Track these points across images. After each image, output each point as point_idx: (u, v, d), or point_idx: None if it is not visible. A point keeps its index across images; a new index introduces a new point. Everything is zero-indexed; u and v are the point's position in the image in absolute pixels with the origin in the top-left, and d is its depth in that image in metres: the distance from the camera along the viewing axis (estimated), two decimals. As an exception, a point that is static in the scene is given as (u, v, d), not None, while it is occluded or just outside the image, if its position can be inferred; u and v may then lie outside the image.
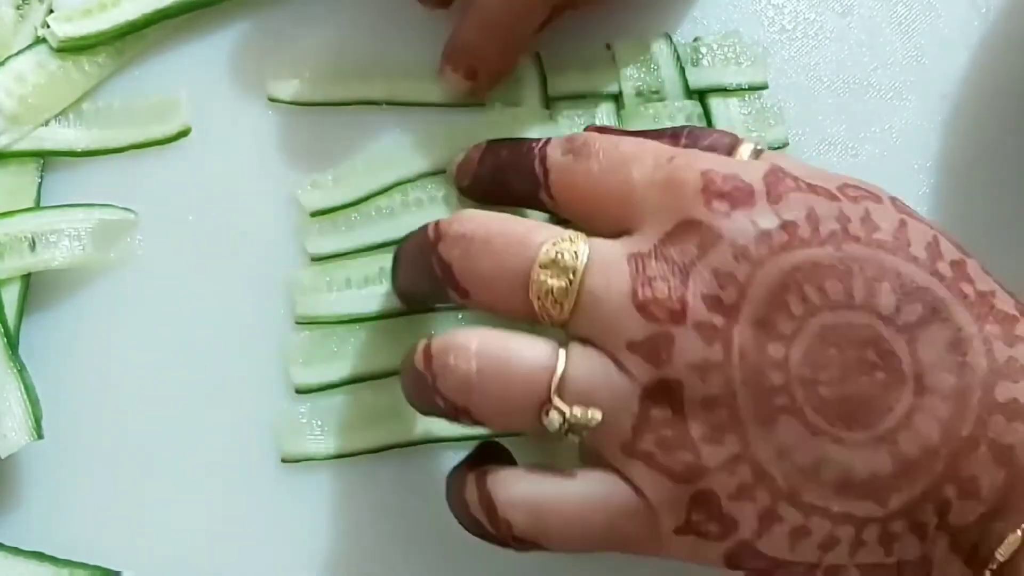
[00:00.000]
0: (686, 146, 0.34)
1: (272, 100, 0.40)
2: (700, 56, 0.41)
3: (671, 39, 0.41)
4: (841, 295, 0.29)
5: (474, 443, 0.35)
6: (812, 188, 0.31)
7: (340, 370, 0.37)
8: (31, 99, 0.39)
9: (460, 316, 0.37)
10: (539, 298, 0.30)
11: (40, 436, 0.35)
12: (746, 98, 0.41)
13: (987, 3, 0.43)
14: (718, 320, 0.29)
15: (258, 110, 0.40)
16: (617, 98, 0.41)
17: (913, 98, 0.42)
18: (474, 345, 0.30)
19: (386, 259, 0.38)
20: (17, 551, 0.34)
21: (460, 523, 0.32)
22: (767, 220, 0.30)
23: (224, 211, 0.39)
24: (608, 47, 0.41)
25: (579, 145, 0.33)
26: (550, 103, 0.40)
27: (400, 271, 0.35)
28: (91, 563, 0.35)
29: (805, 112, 0.41)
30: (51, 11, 0.40)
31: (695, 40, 0.42)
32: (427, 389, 0.31)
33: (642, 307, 0.29)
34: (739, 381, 0.29)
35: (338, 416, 0.37)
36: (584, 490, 0.30)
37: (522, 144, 0.35)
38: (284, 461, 0.36)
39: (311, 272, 0.38)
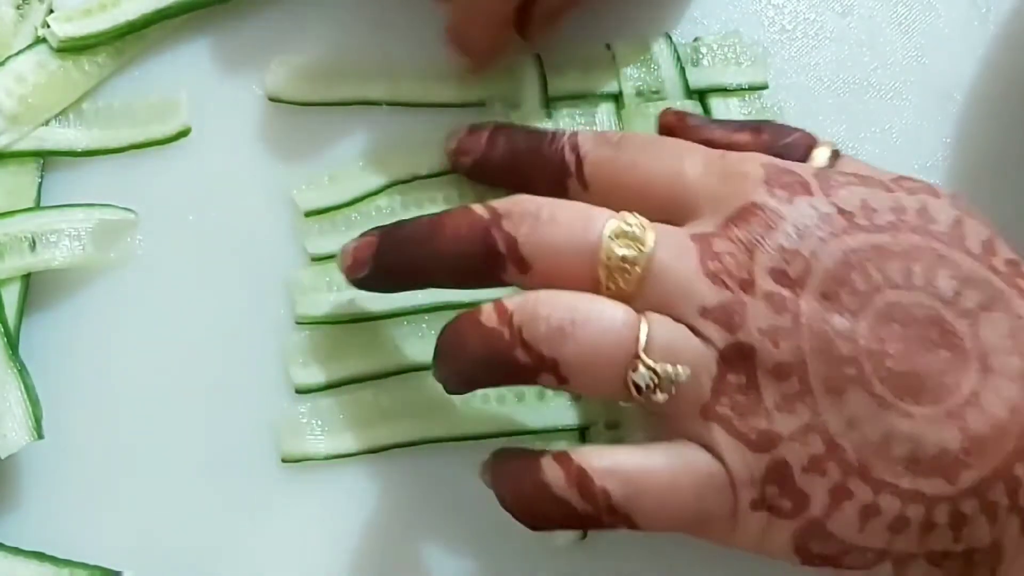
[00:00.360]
0: (768, 141, 0.36)
1: (272, 100, 0.40)
2: (700, 56, 0.41)
3: (671, 39, 0.41)
4: (902, 277, 0.30)
5: (474, 442, 0.36)
6: (864, 180, 0.32)
7: (340, 370, 0.37)
8: (31, 99, 0.39)
9: (427, 318, 0.37)
10: (608, 267, 0.31)
11: (40, 436, 0.35)
12: (746, 98, 0.41)
13: (987, 3, 0.43)
14: (785, 291, 0.30)
15: (258, 110, 0.40)
16: (617, 98, 0.41)
17: (913, 98, 0.42)
18: (565, 297, 0.31)
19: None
20: (17, 551, 0.34)
21: (524, 515, 0.31)
22: (826, 207, 0.31)
23: (224, 211, 0.39)
24: (608, 47, 0.41)
25: (619, 138, 0.35)
26: (550, 103, 0.40)
27: (425, 248, 0.33)
28: (91, 563, 0.35)
29: (805, 112, 0.41)
30: (51, 11, 0.40)
31: (695, 40, 0.42)
32: (504, 345, 0.31)
33: (712, 276, 0.30)
34: (808, 349, 0.30)
35: (338, 416, 0.37)
36: (670, 459, 0.30)
37: (542, 132, 0.37)
38: (284, 461, 0.36)
39: (311, 272, 0.38)
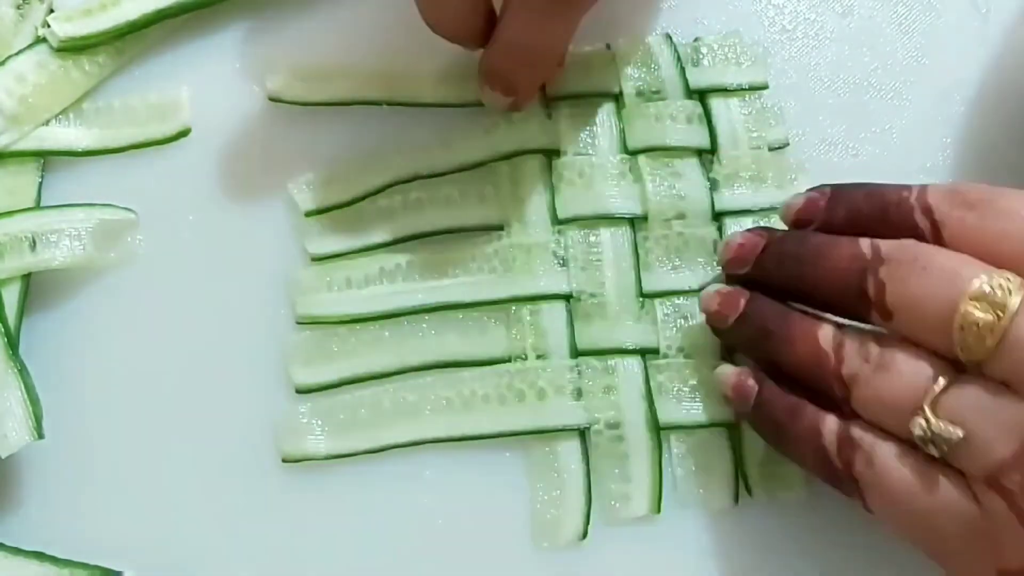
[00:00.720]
0: None
1: (272, 100, 0.40)
2: (700, 56, 0.41)
3: (671, 39, 0.41)
4: None
5: (473, 442, 0.36)
6: None
7: (340, 370, 0.37)
8: (31, 99, 0.39)
9: (427, 318, 0.37)
10: (963, 329, 0.30)
11: (40, 436, 0.35)
12: (746, 98, 0.41)
13: (987, 3, 0.43)
14: None
15: (258, 110, 0.40)
16: (617, 98, 0.41)
17: (913, 98, 0.42)
18: (874, 345, 0.32)
19: (386, 259, 0.38)
20: (17, 551, 0.34)
21: (778, 440, 0.34)
22: None
23: (224, 211, 0.39)
24: (608, 47, 0.41)
25: (979, 199, 0.33)
26: (550, 103, 0.40)
27: (806, 270, 0.34)
28: (91, 563, 0.35)
29: (805, 112, 0.41)
30: (51, 11, 0.40)
31: (695, 40, 0.42)
32: (825, 369, 0.33)
33: None
34: None
35: (338, 416, 0.36)
36: (923, 475, 0.31)
37: (885, 192, 0.35)
38: (284, 461, 0.36)
39: (311, 272, 0.38)
